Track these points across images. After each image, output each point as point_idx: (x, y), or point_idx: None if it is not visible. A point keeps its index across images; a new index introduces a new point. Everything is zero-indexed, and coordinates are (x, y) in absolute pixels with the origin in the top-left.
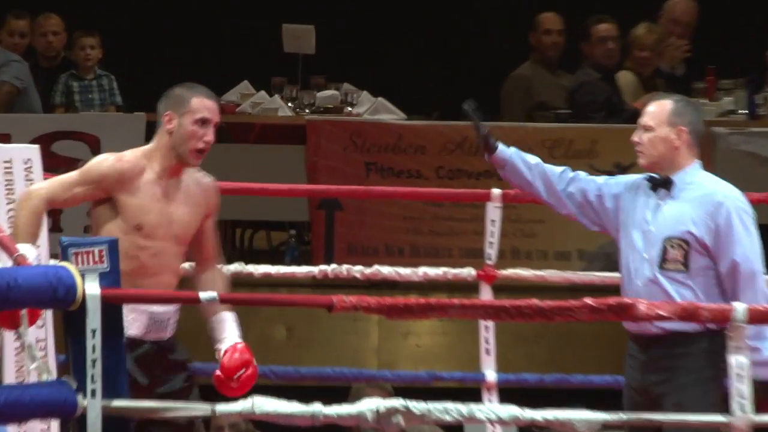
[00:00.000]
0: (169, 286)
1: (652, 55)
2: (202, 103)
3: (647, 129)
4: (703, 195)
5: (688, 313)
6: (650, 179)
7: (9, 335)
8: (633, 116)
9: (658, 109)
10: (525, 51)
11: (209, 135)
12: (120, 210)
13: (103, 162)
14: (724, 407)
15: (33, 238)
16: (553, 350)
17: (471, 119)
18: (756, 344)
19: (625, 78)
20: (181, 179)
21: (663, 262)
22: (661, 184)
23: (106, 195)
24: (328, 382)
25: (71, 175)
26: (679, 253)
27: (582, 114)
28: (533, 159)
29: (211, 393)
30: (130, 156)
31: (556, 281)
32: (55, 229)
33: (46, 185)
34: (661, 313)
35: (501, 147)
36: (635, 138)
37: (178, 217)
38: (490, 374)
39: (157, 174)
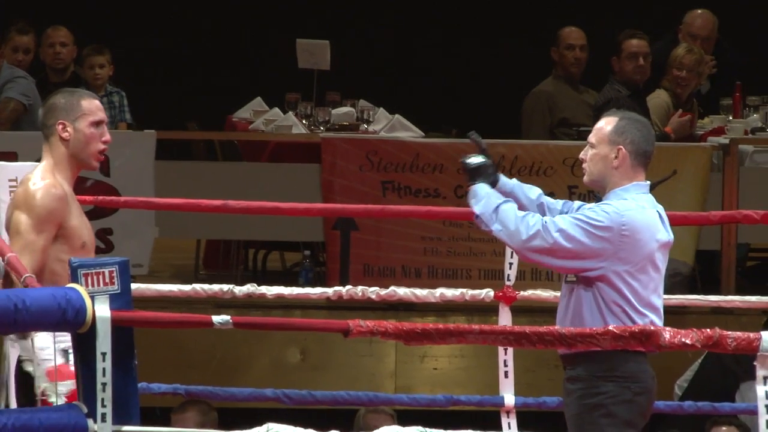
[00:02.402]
0: None
1: (690, 75)
2: (93, 105)
3: (591, 146)
4: None
5: (713, 342)
6: (596, 198)
7: (15, 358)
8: (661, 138)
9: (600, 126)
10: (547, 66)
11: (107, 134)
12: (64, 234)
13: (48, 198)
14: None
15: None
16: None
17: (479, 147)
18: (493, 221)
19: (659, 97)
20: None
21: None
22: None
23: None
24: (344, 405)
25: (29, 235)
26: None
27: None
28: (534, 192)
29: (224, 417)
30: (49, 179)
31: None
32: None
33: (26, 264)
34: (686, 341)
35: (503, 179)
36: (581, 155)
37: (89, 226)
38: (509, 398)
39: (69, 188)
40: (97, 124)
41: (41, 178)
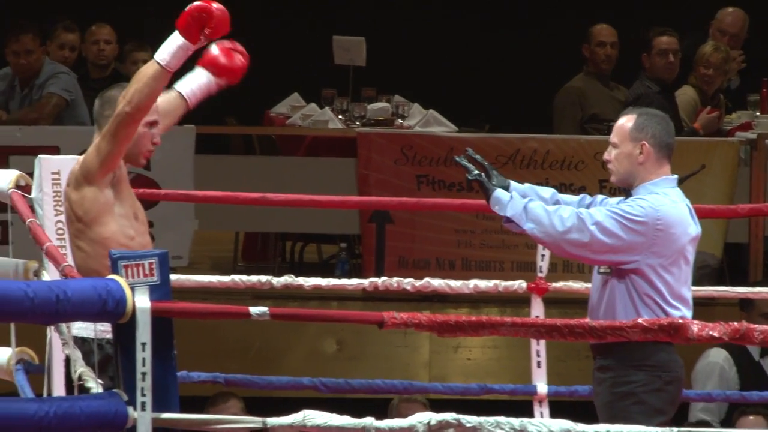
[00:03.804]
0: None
1: (717, 73)
2: (154, 106)
3: (614, 146)
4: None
5: (740, 335)
6: (625, 193)
7: (57, 347)
8: (690, 134)
9: (620, 125)
10: (578, 63)
11: (157, 137)
12: (119, 199)
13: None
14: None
15: None
16: None
17: (475, 164)
18: (525, 221)
19: (686, 93)
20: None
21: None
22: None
23: (113, 170)
24: (379, 394)
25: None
26: None
27: None
28: (547, 192)
29: (261, 405)
30: None
31: None
32: (4, 241)
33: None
34: (714, 334)
35: (514, 184)
36: (605, 156)
37: (141, 215)
38: (541, 387)
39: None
40: (151, 124)
41: None
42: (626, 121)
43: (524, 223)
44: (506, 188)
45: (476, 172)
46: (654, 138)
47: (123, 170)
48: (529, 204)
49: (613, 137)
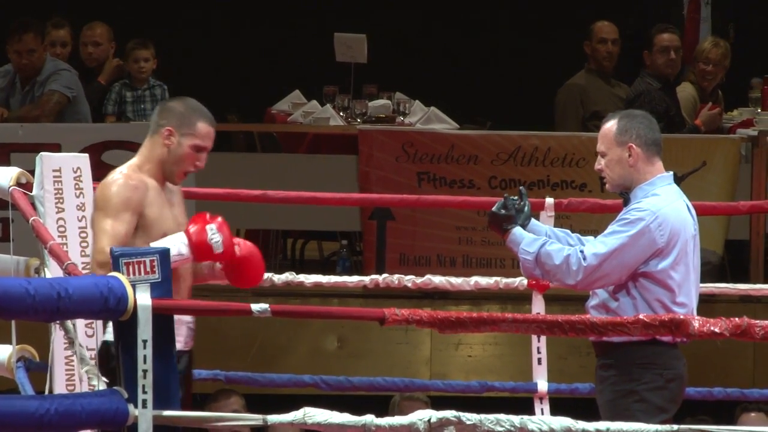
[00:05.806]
0: (191, 289)
1: (717, 69)
2: (207, 131)
3: (602, 155)
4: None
5: (742, 330)
6: (623, 197)
7: (60, 345)
8: (691, 131)
9: (604, 133)
10: (580, 60)
11: (202, 161)
12: (143, 224)
13: (121, 187)
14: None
15: None
16: None
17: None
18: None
19: (685, 90)
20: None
21: None
22: (625, 202)
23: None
24: (380, 391)
25: (107, 222)
26: None
27: None
28: (561, 232)
29: (262, 403)
30: (128, 172)
31: None
32: (4, 238)
33: (103, 250)
34: (715, 329)
35: (535, 225)
36: (596, 166)
37: (181, 219)
38: (542, 384)
39: (156, 183)
40: (200, 149)
41: (120, 171)
42: (609, 128)
43: (535, 269)
44: (525, 225)
45: (504, 211)
46: (639, 138)
47: (150, 196)
48: (540, 251)
49: (600, 146)
